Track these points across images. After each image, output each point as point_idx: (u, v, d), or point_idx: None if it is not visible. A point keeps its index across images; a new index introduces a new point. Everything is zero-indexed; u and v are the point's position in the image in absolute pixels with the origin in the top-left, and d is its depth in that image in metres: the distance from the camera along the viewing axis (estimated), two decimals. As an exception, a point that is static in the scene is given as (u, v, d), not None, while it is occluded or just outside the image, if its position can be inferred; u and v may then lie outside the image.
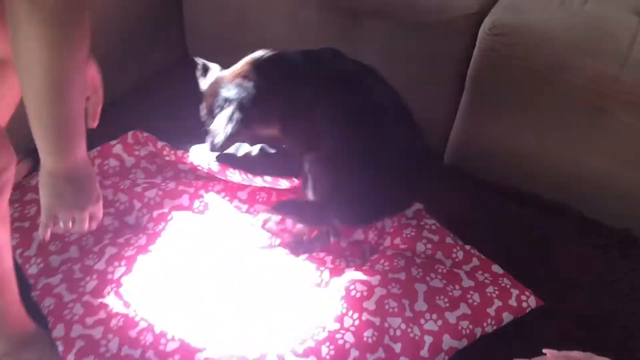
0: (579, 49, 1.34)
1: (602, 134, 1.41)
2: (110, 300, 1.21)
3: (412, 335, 1.21)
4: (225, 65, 1.33)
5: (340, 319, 1.22)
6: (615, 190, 1.48)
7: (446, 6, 1.46)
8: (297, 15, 1.66)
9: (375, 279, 1.29)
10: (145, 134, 1.55)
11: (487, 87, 1.49)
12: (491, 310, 1.26)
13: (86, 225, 1.04)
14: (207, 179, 1.49)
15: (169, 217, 1.36)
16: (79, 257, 1.29)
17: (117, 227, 1.37)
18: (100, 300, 1.21)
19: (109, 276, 1.25)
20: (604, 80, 1.32)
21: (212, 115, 1.25)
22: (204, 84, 1.32)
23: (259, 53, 1.28)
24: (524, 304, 1.28)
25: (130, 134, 1.54)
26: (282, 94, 1.25)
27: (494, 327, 1.25)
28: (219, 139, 1.19)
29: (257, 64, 1.26)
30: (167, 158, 1.53)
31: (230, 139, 1.22)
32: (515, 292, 1.29)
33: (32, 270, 1.27)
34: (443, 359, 1.19)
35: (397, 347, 1.19)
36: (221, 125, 1.20)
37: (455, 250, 1.38)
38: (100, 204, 1.06)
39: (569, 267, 1.43)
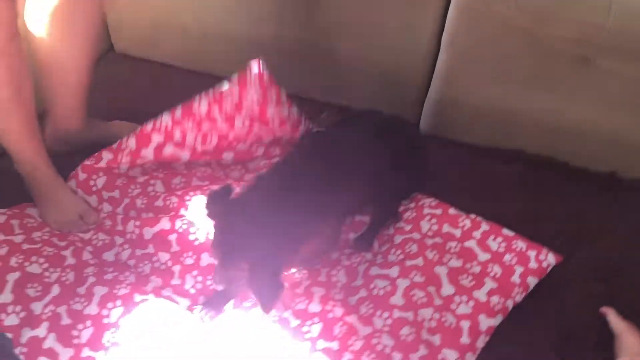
0: (561, -1, 1.29)
1: (585, 83, 1.39)
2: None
3: (447, 324, 1.14)
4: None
5: (369, 321, 1.13)
6: (598, 136, 1.47)
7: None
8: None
9: (393, 271, 1.21)
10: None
11: (465, 47, 1.41)
12: (515, 278, 1.22)
13: (84, 228, 1.25)
14: (182, 193, 1.32)
15: (154, 259, 1.21)
16: (61, 295, 1.10)
17: (97, 262, 1.19)
18: (102, 352, 1.04)
19: (105, 320, 1.08)
20: (590, 29, 1.28)
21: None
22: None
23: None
24: (544, 264, 1.24)
25: (79, 169, 1.35)
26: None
27: (523, 294, 1.21)
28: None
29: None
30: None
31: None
32: (532, 253, 1.25)
33: (10, 321, 1.06)
34: (484, 341, 1.14)
35: (437, 340, 1.12)
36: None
37: (461, 219, 1.33)
38: (91, 214, 1.27)
39: (567, 221, 1.42)
